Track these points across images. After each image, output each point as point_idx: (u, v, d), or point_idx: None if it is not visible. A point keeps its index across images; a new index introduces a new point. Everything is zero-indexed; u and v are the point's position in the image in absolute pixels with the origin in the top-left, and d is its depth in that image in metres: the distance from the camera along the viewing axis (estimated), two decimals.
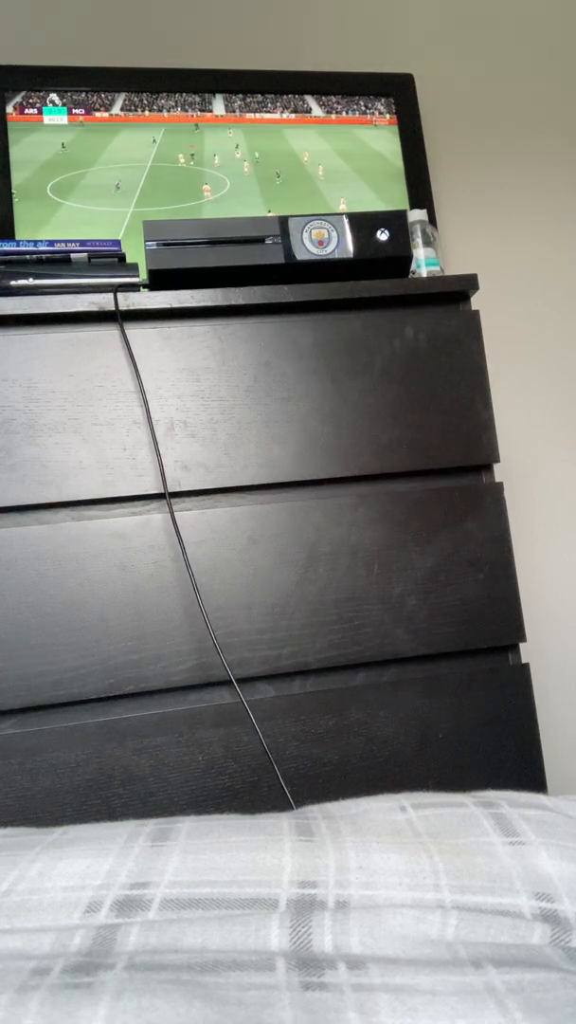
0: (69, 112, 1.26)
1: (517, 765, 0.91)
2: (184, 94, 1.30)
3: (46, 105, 1.25)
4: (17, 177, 1.22)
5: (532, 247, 1.54)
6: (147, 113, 1.28)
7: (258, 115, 1.32)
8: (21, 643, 0.82)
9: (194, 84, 1.30)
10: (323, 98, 1.35)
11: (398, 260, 0.97)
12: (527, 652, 1.44)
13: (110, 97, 1.28)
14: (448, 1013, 0.30)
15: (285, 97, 1.33)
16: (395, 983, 0.32)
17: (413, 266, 1.10)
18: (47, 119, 1.25)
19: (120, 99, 1.28)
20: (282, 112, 1.33)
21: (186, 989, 0.31)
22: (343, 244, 0.95)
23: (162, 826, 0.49)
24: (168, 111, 1.29)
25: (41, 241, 0.95)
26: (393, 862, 0.43)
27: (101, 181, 1.25)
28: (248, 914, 0.38)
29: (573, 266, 1.55)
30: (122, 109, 1.28)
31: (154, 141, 1.28)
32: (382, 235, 0.96)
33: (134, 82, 1.28)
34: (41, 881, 0.42)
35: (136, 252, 1.24)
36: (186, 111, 1.30)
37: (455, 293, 0.97)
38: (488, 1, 1.56)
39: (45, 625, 0.83)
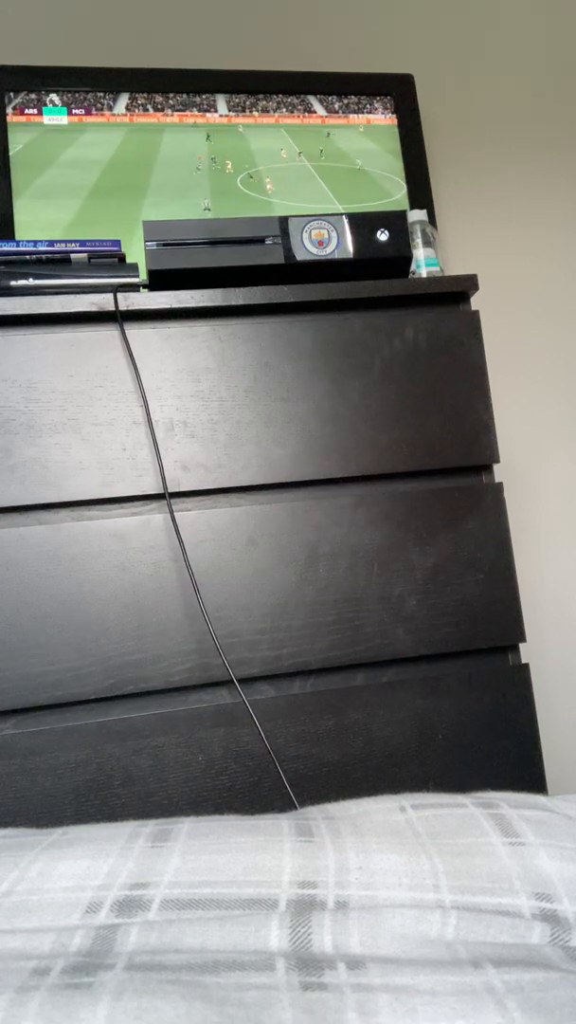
0: (69, 112, 1.26)
1: (517, 765, 0.91)
2: (184, 95, 1.30)
3: (46, 105, 1.25)
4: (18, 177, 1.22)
5: (532, 247, 1.54)
6: (146, 111, 1.28)
7: (256, 116, 1.32)
8: (21, 643, 0.82)
9: (194, 85, 1.30)
10: (323, 98, 1.35)
11: (398, 260, 0.97)
12: (527, 652, 1.44)
13: (110, 97, 1.28)
14: (448, 1013, 0.30)
15: (282, 97, 1.33)
16: (395, 983, 0.32)
17: (413, 266, 1.10)
18: (47, 119, 1.25)
19: (122, 99, 1.28)
20: (281, 112, 1.33)
21: (186, 989, 0.31)
22: (343, 244, 0.95)
23: (162, 827, 0.49)
24: (165, 111, 1.29)
25: (41, 241, 0.95)
26: (393, 862, 0.43)
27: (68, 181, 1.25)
28: (248, 914, 0.38)
29: (573, 266, 1.55)
30: (126, 109, 1.28)
31: (196, 147, 1.28)
32: (382, 235, 0.96)
33: (134, 82, 1.28)
34: (41, 881, 0.42)
35: (136, 252, 1.24)
36: (185, 111, 1.30)
37: (455, 293, 0.97)
38: (488, 1, 1.56)
39: (45, 625, 0.83)
